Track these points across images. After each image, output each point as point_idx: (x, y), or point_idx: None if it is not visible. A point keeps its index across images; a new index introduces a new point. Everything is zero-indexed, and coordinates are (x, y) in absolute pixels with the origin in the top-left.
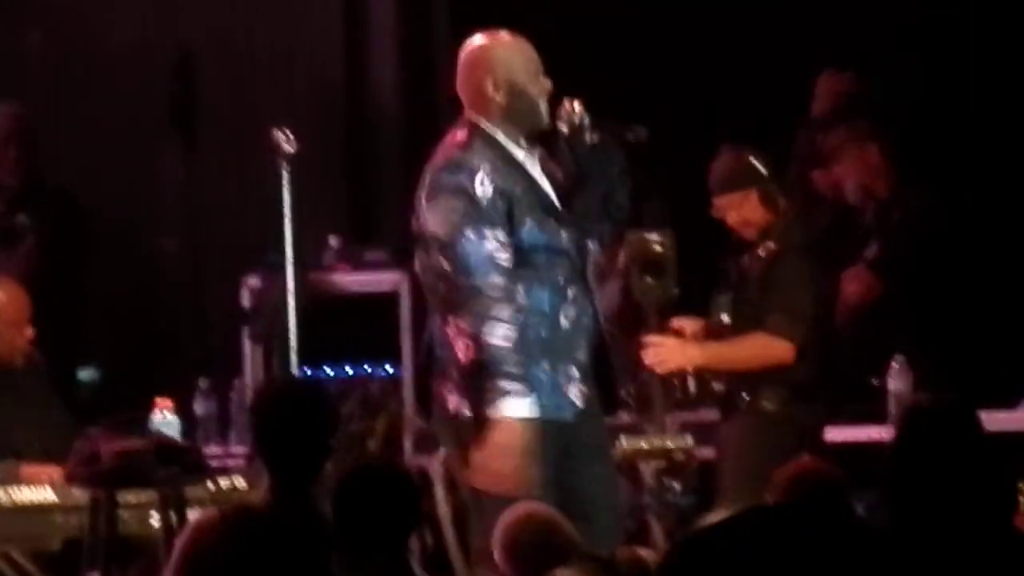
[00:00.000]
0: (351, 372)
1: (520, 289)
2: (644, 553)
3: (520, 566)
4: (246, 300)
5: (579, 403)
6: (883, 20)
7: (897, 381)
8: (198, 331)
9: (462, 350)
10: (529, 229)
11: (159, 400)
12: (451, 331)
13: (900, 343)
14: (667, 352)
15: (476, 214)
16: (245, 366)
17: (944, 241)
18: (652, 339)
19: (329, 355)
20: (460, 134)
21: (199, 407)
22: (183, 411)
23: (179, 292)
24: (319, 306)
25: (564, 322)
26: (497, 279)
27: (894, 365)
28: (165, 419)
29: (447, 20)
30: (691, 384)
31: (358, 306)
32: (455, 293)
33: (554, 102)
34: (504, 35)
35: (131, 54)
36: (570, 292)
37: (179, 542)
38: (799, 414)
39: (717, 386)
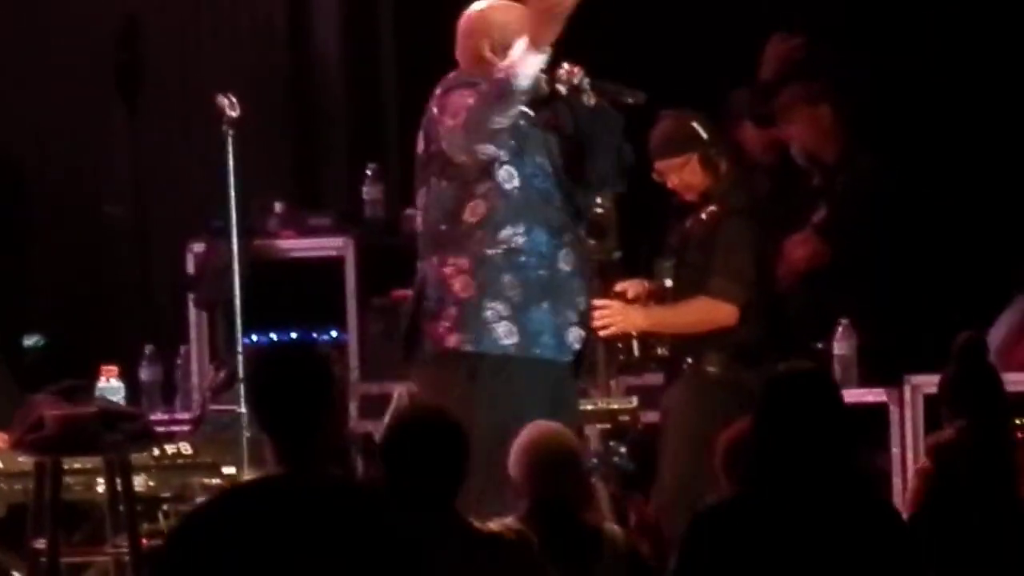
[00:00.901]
0: (296, 338)
1: (520, 228)
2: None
3: (538, 480)
4: (191, 266)
5: (576, 346)
6: None
7: (841, 344)
8: (143, 297)
9: (460, 288)
10: (529, 162)
11: (104, 366)
12: (448, 271)
13: (845, 307)
14: (611, 315)
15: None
16: (190, 332)
17: (889, 205)
18: (596, 302)
19: (274, 321)
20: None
21: (144, 373)
22: (128, 377)
23: (124, 258)
24: (264, 272)
25: (563, 266)
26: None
27: (839, 328)
28: (110, 385)
29: None
30: (635, 348)
31: (303, 272)
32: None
33: (552, 67)
34: (505, 3)
35: (75, 20)
36: (565, 238)
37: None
38: (742, 377)
39: (661, 350)
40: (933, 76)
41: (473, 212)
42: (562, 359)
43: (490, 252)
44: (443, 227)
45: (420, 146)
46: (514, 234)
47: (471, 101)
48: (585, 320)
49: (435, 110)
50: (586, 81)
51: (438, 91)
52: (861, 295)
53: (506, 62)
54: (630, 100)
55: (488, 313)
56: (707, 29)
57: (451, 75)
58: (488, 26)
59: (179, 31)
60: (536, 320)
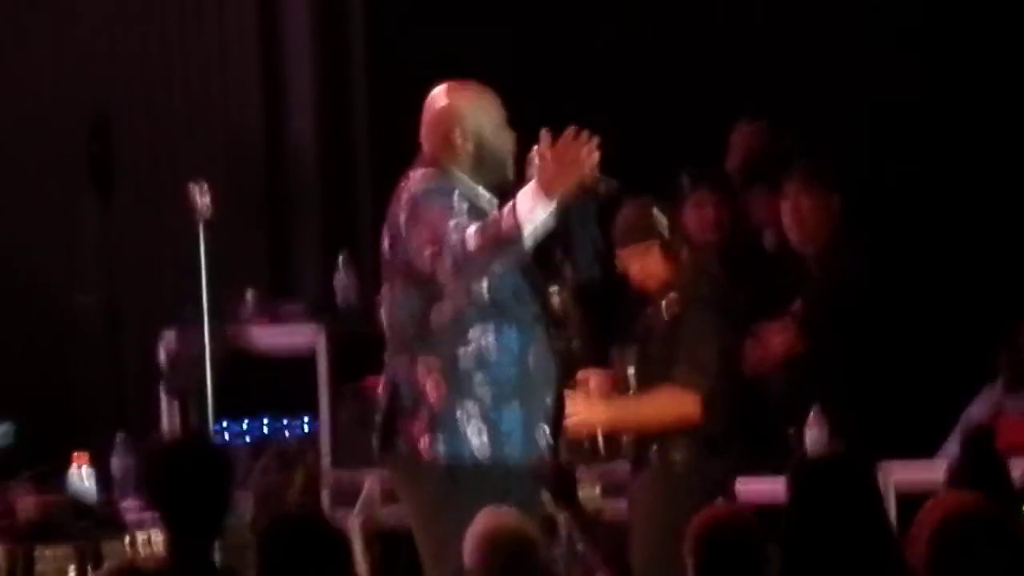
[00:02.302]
0: (268, 426)
1: (490, 326)
2: None
3: (497, 572)
4: (163, 355)
5: (543, 445)
6: (808, 66)
7: (813, 431)
8: (115, 386)
9: (432, 389)
10: (494, 268)
11: (76, 455)
12: (420, 371)
13: (820, 392)
14: (573, 408)
15: (458, 210)
16: (162, 421)
17: (869, 300)
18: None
19: (246, 409)
20: (426, 171)
21: (116, 462)
22: (100, 465)
23: (96, 347)
24: (236, 360)
25: (532, 362)
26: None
27: (810, 416)
28: (81, 474)
29: (364, 76)
30: (599, 439)
31: (275, 360)
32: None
33: (522, 153)
34: (472, 87)
35: (47, 111)
36: (535, 333)
37: None
38: (709, 467)
39: (626, 439)
40: (894, 162)
41: (440, 313)
42: (531, 458)
43: (460, 351)
44: (410, 329)
45: (385, 243)
46: (483, 332)
47: (450, 224)
48: (551, 417)
49: (403, 218)
50: None
51: (405, 196)
52: (836, 382)
53: (515, 210)
54: (603, 189)
55: (459, 413)
56: (658, 109)
57: (417, 175)
58: (458, 114)
59: (151, 121)
60: (507, 419)
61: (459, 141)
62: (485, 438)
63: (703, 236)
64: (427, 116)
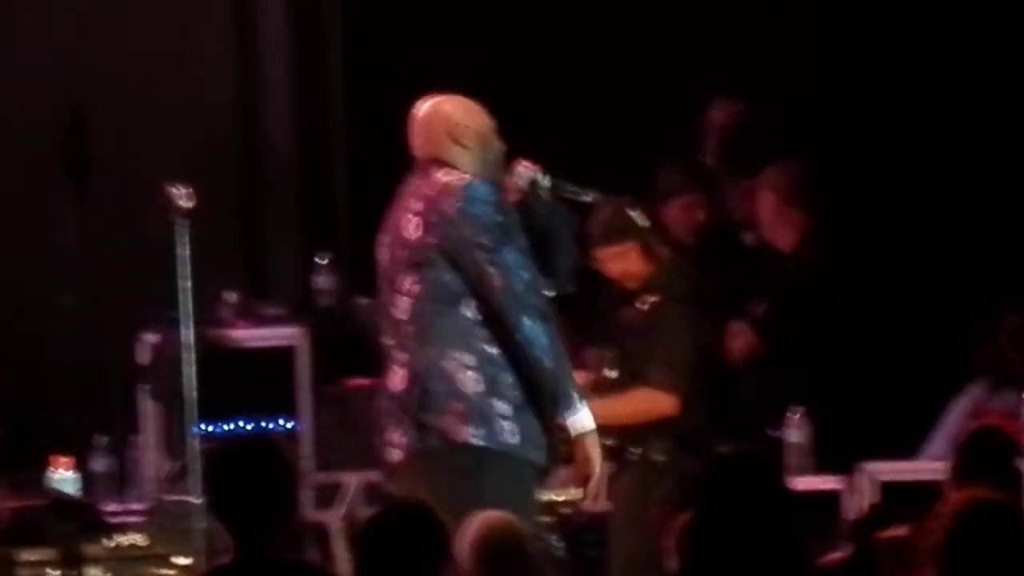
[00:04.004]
0: (249, 427)
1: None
2: None
3: (488, 573)
4: (143, 356)
5: (551, 449)
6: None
7: (795, 432)
8: (95, 388)
9: (466, 384)
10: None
11: (56, 457)
12: (451, 364)
13: (798, 395)
14: None
15: (508, 223)
16: (143, 423)
17: (842, 296)
18: None
19: (227, 410)
20: (448, 173)
21: (96, 464)
22: (80, 468)
23: (75, 349)
24: (216, 361)
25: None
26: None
27: (792, 416)
28: (63, 476)
29: (341, 76)
30: None
31: (255, 361)
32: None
33: (511, 162)
34: (460, 97)
35: (24, 110)
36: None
37: None
38: (688, 464)
39: (605, 440)
40: (869, 151)
41: (474, 309)
42: (545, 462)
43: (493, 351)
44: (441, 318)
45: (415, 232)
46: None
47: (510, 247)
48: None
49: (453, 213)
50: (546, 179)
51: (458, 203)
52: (812, 382)
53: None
54: (589, 199)
55: (492, 410)
56: (629, 106)
57: (454, 174)
58: (456, 116)
59: (128, 121)
60: (530, 423)
61: (464, 140)
62: (518, 438)
63: (686, 237)
64: (422, 123)
